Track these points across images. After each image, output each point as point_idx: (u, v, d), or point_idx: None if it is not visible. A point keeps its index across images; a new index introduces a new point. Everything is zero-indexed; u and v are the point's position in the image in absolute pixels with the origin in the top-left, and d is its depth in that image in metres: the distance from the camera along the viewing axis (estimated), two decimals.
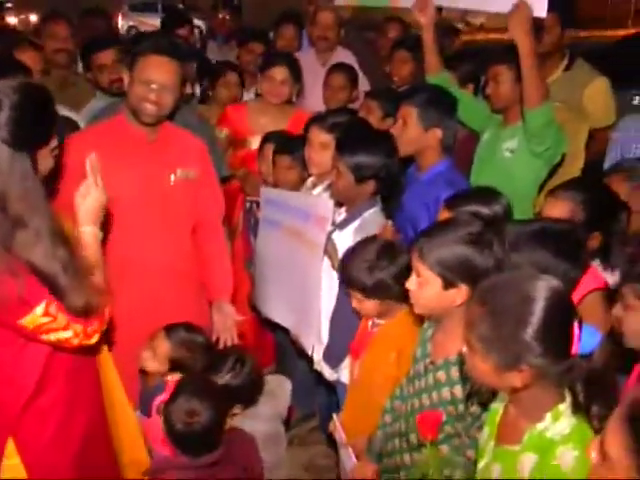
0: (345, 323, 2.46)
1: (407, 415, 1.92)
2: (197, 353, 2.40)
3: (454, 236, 1.78)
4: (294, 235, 2.83)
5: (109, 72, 3.41)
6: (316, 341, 2.66)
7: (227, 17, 5.67)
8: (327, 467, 3.08)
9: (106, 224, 2.48)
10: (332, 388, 2.78)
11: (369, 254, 2.20)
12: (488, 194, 2.28)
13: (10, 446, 1.84)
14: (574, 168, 3.30)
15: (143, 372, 2.47)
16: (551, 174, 2.99)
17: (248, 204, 3.48)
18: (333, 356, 2.54)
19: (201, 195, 2.69)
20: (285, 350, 3.33)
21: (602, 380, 1.36)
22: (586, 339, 1.37)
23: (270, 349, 3.71)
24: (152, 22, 14.50)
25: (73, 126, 2.97)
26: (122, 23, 17.77)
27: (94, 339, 1.83)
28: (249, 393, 2.41)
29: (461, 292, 1.76)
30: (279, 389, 2.53)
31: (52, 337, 1.75)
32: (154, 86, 2.42)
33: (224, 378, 2.35)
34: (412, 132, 2.71)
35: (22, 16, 13.86)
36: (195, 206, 2.68)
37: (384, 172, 2.49)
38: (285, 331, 2.95)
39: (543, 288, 1.39)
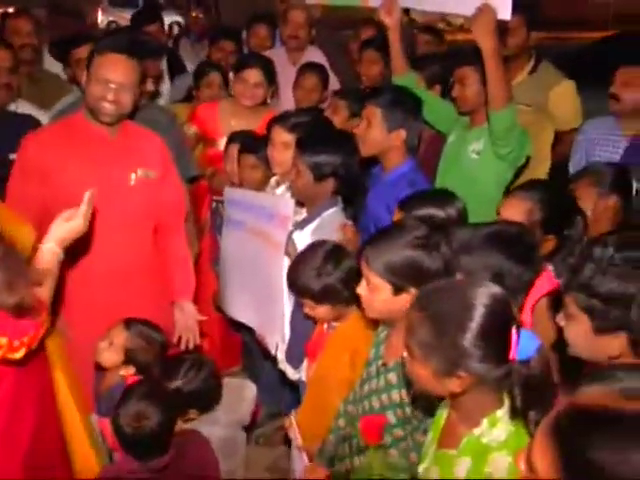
0: (304, 324, 2.45)
1: (356, 418, 1.92)
2: (153, 347, 2.38)
3: (400, 241, 1.78)
4: (257, 235, 2.82)
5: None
6: (280, 340, 2.65)
7: (200, 15, 5.65)
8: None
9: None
10: (297, 387, 2.77)
11: (315, 260, 2.20)
12: (443, 197, 2.29)
13: None
14: (540, 171, 3.31)
15: (99, 370, 2.44)
16: (517, 176, 3.01)
17: (214, 204, 3.46)
18: (294, 356, 2.54)
19: (162, 195, 2.66)
20: (251, 350, 3.32)
21: (540, 386, 1.35)
22: (524, 344, 1.37)
23: (237, 349, 3.70)
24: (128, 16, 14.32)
25: (35, 124, 2.93)
26: (102, 18, 17.50)
27: (19, 354, 1.78)
28: (205, 398, 2.39)
29: (412, 296, 1.75)
30: (241, 394, 2.51)
31: None
32: (112, 85, 2.38)
33: (178, 382, 2.33)
34: (376, 133, 2.71)
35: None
36: (156, 206, 2.65)
37: (343, 171, 2.50)
38: (251, 331, 2.95)
39: (482, 294, 1.39)
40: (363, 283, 1.82)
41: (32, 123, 2.92)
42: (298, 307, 2.50)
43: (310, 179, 2.50)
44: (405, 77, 3.10)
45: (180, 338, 2.64)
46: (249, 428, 3.38)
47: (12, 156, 2.65)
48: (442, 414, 1.58)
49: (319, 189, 2.52)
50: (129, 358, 2.35)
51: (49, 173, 2.45)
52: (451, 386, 1.40)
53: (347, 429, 2.02)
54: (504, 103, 2.65)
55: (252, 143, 3.14)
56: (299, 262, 2.24)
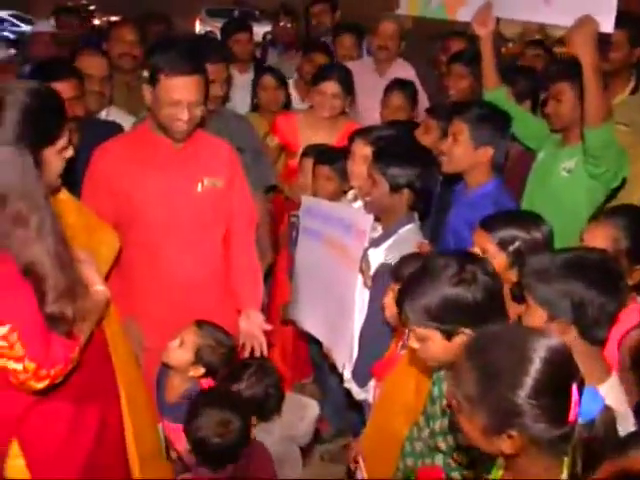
0: (374, 342, 2.38)
1: (419, 457, 1.82)
2: (222, 348, 2.37)
3: (433, 283, 1.67)
4: (333, 247, 2.77)
5: None
6: (347, 358, 2.58)
7: (288, 25, 5.62)
8: None
9: (132, 235, 2.50)
10: (362, 408, 2.69)
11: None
12: (528, 218, 2.17)
13: (15, 447, 1.84)
14: (636, 195, 3.10)
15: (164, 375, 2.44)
16: (611, 199, 2.83)
17: (293, 218, 3.41)
18: (361, 375, 2.46)
19: (230, 204, 2.64)
20: (319, 364, 3.26)
21: (605, 451, 1.18)
22: (587, 403, 1.23)
23: (308, 361, 3.65)
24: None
25: (118, 131, 2.99)
26: (200, 28, 18.06)
27: (41, 384, 1.73)
28: (264, 406, 2.35)
29: (465, 335, 1.65)
30: (302, 412, 2.43)
31: (3, 362, 1.68)
32: (184, 105, 2.36)
33: (240, 385, 2.32)
34: (462, 149, 2.62)
35: (104, 19, 14.32)
36: (224, 215, 2.63)
37: (419, 183, 2.42)
38: (319, 344, 2.89)
39: (541, 346, 1.25)
40: (412, 337, 1.72)
41: (115, 130, 2.97)
42: (370, 324, 2.43)
43: (386, 190, 2.43)
44: (496, 91, 2.98)
45: (244, 345, 2.60)
46: (314, 443, 3.37)
47: None
48: (497, 474, 1.43)
49: (395, 201, 2.45)
50: (198, 357, 2.34)
51: (116, 184, 2.47)
52: (502, 446, 1.27)
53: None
54: (602, 120, 2.49)
55: (327, 154, 3.12)
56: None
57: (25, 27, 13.03)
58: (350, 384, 2.54)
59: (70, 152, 1.83)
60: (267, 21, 11.50)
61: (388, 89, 3.69)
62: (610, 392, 1.56)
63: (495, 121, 2.65)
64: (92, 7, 16.21)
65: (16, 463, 1.85)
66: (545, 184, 2.86)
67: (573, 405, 1.23)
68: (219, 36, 5.07)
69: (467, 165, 2.64)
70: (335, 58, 4.57)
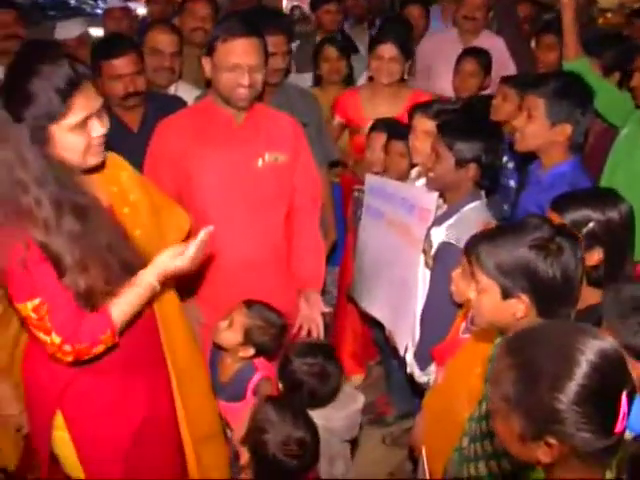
0: (436, 324, 2.29)
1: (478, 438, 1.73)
2: (271, 328, 2.33)
3: (516, 240, 1.55)
4: (396, 227, 2.68)
5: None
6: (410, 341, 2.50)
7: None
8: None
9: (192, 211, 2.47)
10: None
11: None
12: (604, 197, 1.99)
13: (59, 418, 1.87)
14: None
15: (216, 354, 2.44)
16: None
17: (356, 193, 3.33)
18: (422, 357, 2.37)
19: (294, 178, 2.58)
20: (382, 346, 3.20)
21: None
22: (638, 416, 1.13)
23: (373, 342, 3.59)
24: None
25: (182, 105, 2.98)
26: (286, 4, 18.02)
27: (68, 358, 1.74)
28: (314, 393, 2.20)
29: (522, 303, 1.55)
30: (344, 405, 2.25)
31: (35, 332, 1.72)
32: (244, 70, 2.32)
33: (294, 364, 2.18)
34: (537, 126, 2.43)
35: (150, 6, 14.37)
36: (286, 190, 2.57)
37: (486, 158, 2.29)
38: (381, 326, 2.82)
39: (591, 348, 1.13)
40: (472, 284, 1.62)
41: (179, 104, 2.96)
42: (431, 305, 2.34)
43: (451, 164, 2.30)
44: (576, 62, 2.79)
45: (301, 327, 2.55)
46: (377, 425, 3.32)
47: None
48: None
49: (460, 176, 2.32)
50: (248, 338, 2.30)
51: (177, 159, 2.45)
52: (539, 453, 1.16)
53: (470, 448, 1.83)
54: None
55: (402, 129, 2.97)
56: None
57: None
58: (412, 367, 2.46)
59: (98, 130, 1.76)
60: None
61: (461, 56, 3.56)
62: None
63: (575, 95, 2.43)
64: None
65: (61, 435, 1.88)
66: (627, 162, 2.67)
67: (621, 416, 1.11)
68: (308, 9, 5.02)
69: (542, 143, 2.45)
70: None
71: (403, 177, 2.92)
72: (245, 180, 2.48)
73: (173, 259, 1.84)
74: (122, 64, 2.79)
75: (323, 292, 2.78)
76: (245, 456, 2.01)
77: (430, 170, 2.39)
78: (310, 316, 2.56)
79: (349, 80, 3.92)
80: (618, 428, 1.11)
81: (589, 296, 1.83)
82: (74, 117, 1.69)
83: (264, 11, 3.35)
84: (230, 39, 2.30)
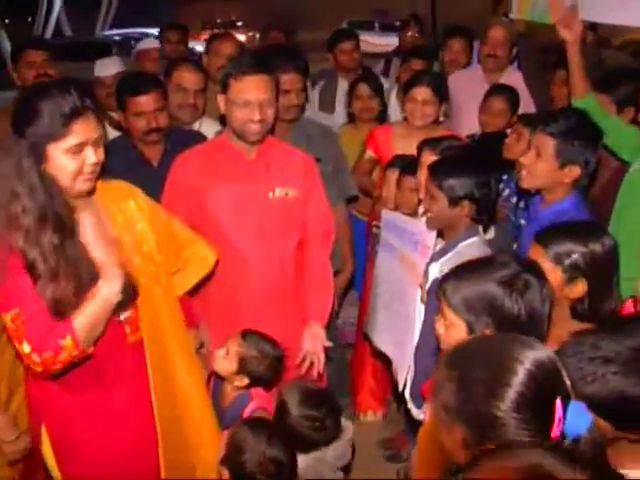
0: (428, 360, 2.27)
1: None
2: (265, 359, 2.36)
3: (482, 276, 1.58)
4: (404, 262, 2.72)
5: None
6: (409, 377, 2.50)
7: (416, 34, 5.53)
8: None
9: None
10: None
11: None
12: (587, 230, 1.98)
13: (44, 432, 1.96)
14: None
15: (217, 382, 2.49)
16: None
17: (375, 229, 3.37)
18: (417, 395, 2.37)
19: (304, 213, 2.65)
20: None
21: (592, 469, 1.08)
22: (574, 420, 1.13)
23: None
24: (370, 40, 14.62)
25: (201, 140, 3.09)
26: None
27: (38, 368, 1.80)
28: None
29: None
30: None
31: (14, 342, 1.80)
32: (255, 105, 2.42)
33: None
34: (546, 166, 2.39)
35: (250, 34, 14.99)
36: (296, 224, 2.64)
37: (479, 192, 2.30)
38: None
39: (527, 357, 1.17)
40: (441, 320, 1.64)
41: (199, 139, 3.07)
42: (424, 341, 2.34)
43: (444, 204, 2.32)
44: (585, 99, 2.75)
45: (302, 361, 2.59)
46: (394, 461, 3.30)
47: None
48: None
49: (455, 214, 2.33)
50: (242, 368, 2.35)
51: (192, 191, 2.56)
52: None
53: None
54: None
55: (414, 165, 3.00)
56: None
57: None
58: (410, 404, 2.46)
59: (91, 158, 1.86)
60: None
61: (489, 93, 3.54)
62: None
63: (585, 136, 2.39)
64: (239, 23, 17.05)
65: (46, 449, 1.97)
66: (635, 198, 2.60)
67: (557, 420, 1.15)
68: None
69: (548, 183, 2.43)
70: (443, 64, 4.48)
71: (414, 212, 2.94)
72: (255, 213, 2.56)
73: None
74: (146, 101, 2.93)
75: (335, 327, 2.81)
76: (225, 476, 2.06)
77: (427, 211, 2.41)
78: (312, 350, 2.60)
79: (382, 117, 3.97)
80: (554, 432, 1.15)
81: (572, 329, 1.79)
82: (71, 140, 1.82)
83: (280, 49, 3.45)
84: (241, 76, 2.42)
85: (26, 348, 1.77)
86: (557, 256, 1.91)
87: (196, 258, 2.39)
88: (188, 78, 3.36)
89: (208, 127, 3.39)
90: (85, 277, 1.83)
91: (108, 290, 1.85)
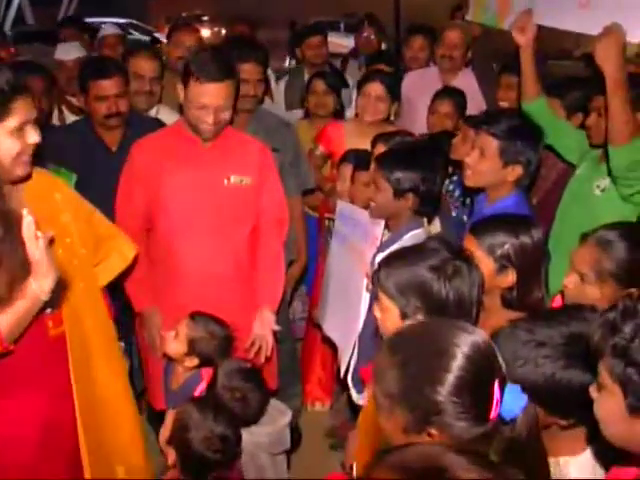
0: (370, 346, 2.35)
1: None
2: (215, 340, 2.40)
3: (413, 261, 1.65)
4: (354, 252, 2.79)
5: None
6: (351, 363, 2.58)
7: (372, 36, 5.61)
8: None
9: (159, 225, 2.60)
10: None
11: None
12: (518, 223, 2.08)
13: None
14: None
15: (169, 364, 2.53)
16: None
17: (327, 221, 3.46)
18: (357, 380, 2.44)
19: (258, 201, 2.70)
20: None
21: (525, 451, 1.15)
22: (510, 402, 1.19)
23: None
24: (335, 40, 14.71)
25: (160, 127, 3.12)
26: None
27: None
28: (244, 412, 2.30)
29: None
30: (273, 419, 2.34)
31: None
32: (210, 110, 2.47)
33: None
34: (489, 165, 2.48)
35: (215, 29, 14.93)
36: (250, 212, 2.69)
37: (424, 187, 2.38)
38: None
39: (464, 341, 1.21)
40: (376, 304, 1.71)
41: (158, 127, 3.09)
42: (367, 328, 2.41)
43: (389, 195, 2.41)
44: (535, 102, 2.86)
45: (252, 345, 2.64)
46: (338, 450, 3.35)
47: None
48: None
49: (399, 205, 2.42)
50: (192, 349, 2.39)
51: (148, 177, 2.61)
52: None
53: None
54: (627, 138, 2.34)
55: (366, 160, 3.08)
56: None
57: (139, 36, 13.65)
58: (352, 390, 2.54)
59: (33, 138, 1.83)
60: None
61: (437, 96, 3.64)
62: None
63: (527, 136, 2.49)
64: (205, 17, 16.98)
65: None
66: (578, 201, 2.72)
67: (495, 403, 1.19)
68: None
69: (492, 182, 2.52)
70: (403, 62, 4.58)
71: (368, 206, 3.01)
72: (210, 198, 2.61)
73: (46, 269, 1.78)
74: (108, 85, 2.95)
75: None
76: (172, 456, 2.10)
77: (371, 200, 2.48)
78: (261, 334, 2.66)
79: (338, 114, 4.01)
80: (492, 415, 1.19)
81: (502, 317, 1.89)
82: (13, 121, 1.79)
83: (240, 40, 3.49)
84: (202, 81, 2.45)
85: None
86: (490, 247, 2.01)
87: (116, 252, 2.38)
88: (144, 66, 3.39)
89: (165, 115, 3.43)
90: (18, 273, 1.77)
91: (38, 289, 1.78)
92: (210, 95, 2.45)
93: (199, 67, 2.47)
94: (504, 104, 3.53)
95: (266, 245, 2.77)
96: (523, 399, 1.21)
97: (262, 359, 2.67)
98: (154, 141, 2.71)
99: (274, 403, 2.39)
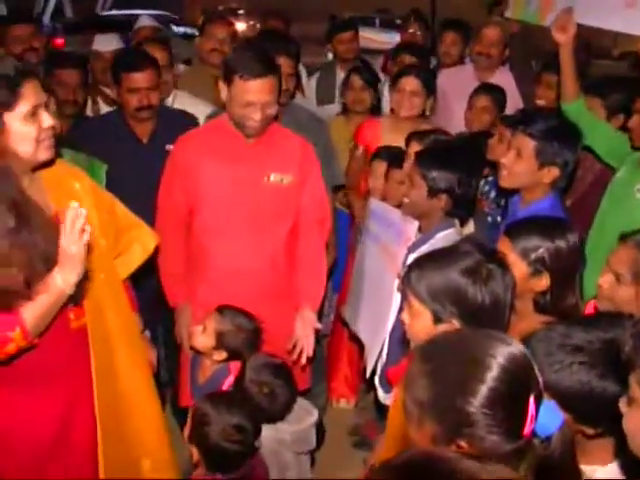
0: (399, 347, 2.31)
1: None
2: (242, 333, 2.39)
3: (447, 265, 1.60)
4: (386, 252, 2.75)
5: None
6: (378, 364, 2.54)
7: (417, 32, 5.53)
8: None
9: (198, 221, 2.59)
10: None
11: None
12: (555, 226, 2.02)
13: None
14: None
15: (195, 357, 2.52)
16: None
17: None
18: (385, 380, 2.41)
19: (298, 199, 2.66)
20: None
21: (560, 470, 1.09)
22: (546, 419, 1.13)
23: None
24: (367, 35, 14.66)
25: (190, 118, 3.14)
26: None
27: None
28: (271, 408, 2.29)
29: (453, 328, 1.57)
30: (299, 418, 2.31)
31: None
32: (257, 106, 2.44)
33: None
34: (525, 166, 2.44)
35: (251, 22, 14.92)
36: (290, 210, 2.66)
37: (459, 189, 2.33)
38: None
39: (501, 352, 1.16)
40: (406, 309, 1.66)
41: (188, 119, 3.13)
42: (397, 329, 2.37)
43: (424, 193, 2.37)
44: (573, 103, 2.79)
45: (294, 347, 2.62)
46: (362, 448, 3.33)
47: (168, 147, 2.83)
48: None
49: (431, 205, 2.38)
50: (220, 342, 2.38)
51: (189, 171, 2.59)
52: None
53: None
54: None
55: (400, 158, 3.04)
56: None
57: (176, 29, 13.63)
58: (378, 390, 2.50)
59: (48, 121, 1.82)
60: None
61: (475, 92, 3.57)
62: None
63: (565, 138, 2.43)
64: (241, 11, 16.99)
65: None
66: (618, 205, 2.65)
67: (529, 419, 1.14)
68: None
69: (527, 183, 2.47)
70: (437, 58, 4.52)
71: (401, 204, 2.97)
72: (248, 195, 2.59)
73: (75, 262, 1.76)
74: (140, 78, 2.95)
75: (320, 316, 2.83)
76: (195, 454, 2.10)
77: (405, 196, 2.44)
78: (303, 334, 2.64)
79: (375, 110, 3.96)
80: (526, 431, 1.14)
81: (534, 322, 1.85)
82: (24, 106, 1.78)
83: (272, 33, 3.48)
84: (247, 78, 2.42)
85: None
86: (524, 250, 1.96)
87: (137, 242, 2.36)
88: (154, 55, 3.35)
89: (183, 100, 3.44)
90: (39, 266, 1.74)
91: (63, 282, 1.76)
92: (256, 92, 2.43)
93: (242, 64, 2.45)
94: (542, 102, 3.45)
95: (306, 245, 2.72)
96: (559, 417, 1.16)
97: (303, 360, 2.64)
98: (197, 136, 2.71)
99: (301, 402, 2.36)
